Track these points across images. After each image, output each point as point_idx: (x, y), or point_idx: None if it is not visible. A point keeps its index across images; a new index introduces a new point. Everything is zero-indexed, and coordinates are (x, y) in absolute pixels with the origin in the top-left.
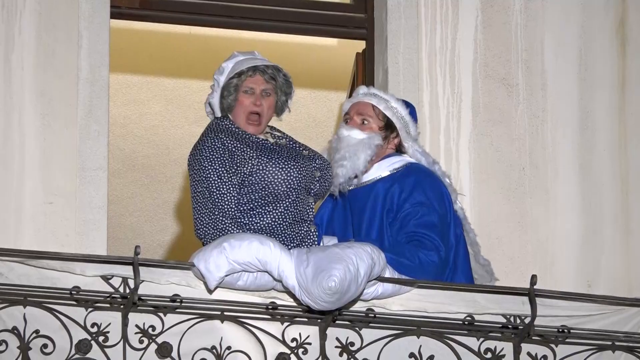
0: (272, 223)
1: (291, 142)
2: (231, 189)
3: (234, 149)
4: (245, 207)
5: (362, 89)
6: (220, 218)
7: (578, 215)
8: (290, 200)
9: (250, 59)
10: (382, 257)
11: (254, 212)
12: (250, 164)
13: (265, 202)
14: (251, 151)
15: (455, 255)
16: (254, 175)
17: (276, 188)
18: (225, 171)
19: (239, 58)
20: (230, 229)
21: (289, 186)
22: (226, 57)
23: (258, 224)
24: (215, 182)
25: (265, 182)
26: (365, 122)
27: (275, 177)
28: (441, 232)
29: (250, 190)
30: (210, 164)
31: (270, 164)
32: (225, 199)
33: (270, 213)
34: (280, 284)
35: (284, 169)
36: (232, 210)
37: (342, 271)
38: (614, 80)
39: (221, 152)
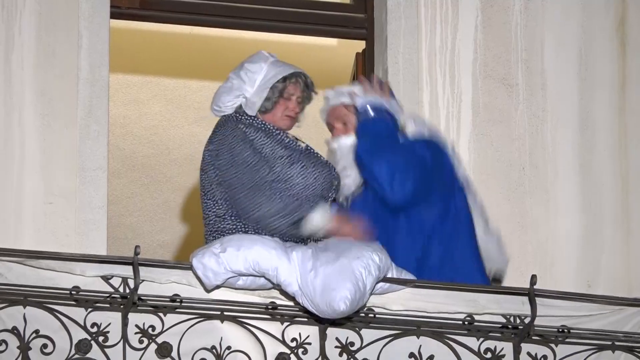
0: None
1: (309, 148)
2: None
3: (261, 144)
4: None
5: (329, 94)
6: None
7: (578, 215)
8: (309, 206)
9: (279, 62)
10: (388, 262)
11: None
12: (280, 163)
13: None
14: (281, 150)
15: (458, 224)
16: (282, 174)
17: (302, 192)
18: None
19: (271, 60)
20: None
21: (313, 192)
22: (226, 58)
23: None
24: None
25: (292, 183)
26: (347, 123)
27: (304, 179)
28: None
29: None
30: (257, 139)
31: (299, 166)
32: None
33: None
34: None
35: (312, 174)
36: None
37: (352, 291)
38: (614, 80)
39: (250, 139)
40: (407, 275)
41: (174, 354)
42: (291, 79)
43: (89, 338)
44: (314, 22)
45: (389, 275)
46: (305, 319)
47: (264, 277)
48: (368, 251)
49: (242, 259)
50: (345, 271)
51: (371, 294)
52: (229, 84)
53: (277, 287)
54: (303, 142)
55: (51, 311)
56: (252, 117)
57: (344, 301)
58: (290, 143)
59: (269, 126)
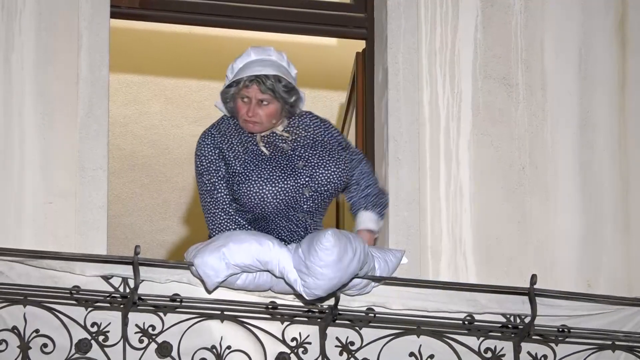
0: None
1: (294, 149)
2: (218, 182)
3: (224, 146)
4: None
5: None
6: (219, 213)
7: (578, 215)
8: (277, 219)
9: (259, 61)
10: (369, 250)
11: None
12: (234, 171)
13: (254, 218)
14: (238, 158)
15: None
16: (237, 188)
17: (254, 209)
18: (212, 165)
19: (251, 58)
20: (227, 226)
21: (264, 209)
22: (226, 57)
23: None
24: (204, 176)
25: (245, 200)
26: None
27: (251, 199)
28: None
29: (238, 203)
30: (197, 158)
31: (248, 184)
32: (216, 193)
33: (263, 229)
34: (279, 286)
35: (259, 193)
36: (225, 204)
37: (334, 231)
38: (614, 80)
39: (210, 148)
40: (392, 255)
41: (174, 353)
42: (245, 83)
43: (89, 337)
44: (314, 22)
45: (375, 261)
46: (306, 319)
47: (267, 269)
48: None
49: (245, 251)
50: (330, 229)
51: (359, 273)
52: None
53: (279, 277)
54: (287, 141)
55: (51, 310)
56: (229, 117)
57: (327, 238)
58: (252, 149)
59: (235, 126)
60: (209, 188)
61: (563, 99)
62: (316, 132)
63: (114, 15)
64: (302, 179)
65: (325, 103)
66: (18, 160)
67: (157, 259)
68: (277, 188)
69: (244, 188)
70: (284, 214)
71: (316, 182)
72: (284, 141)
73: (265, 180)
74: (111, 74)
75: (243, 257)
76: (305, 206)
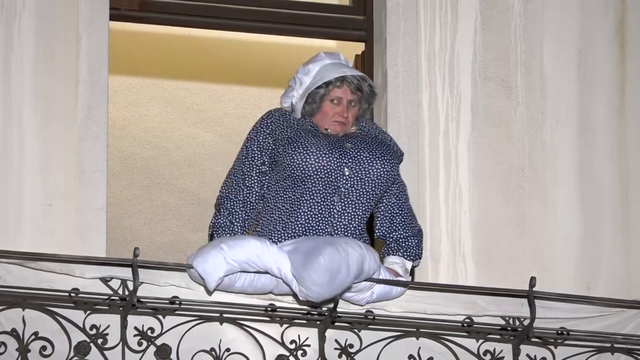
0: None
1: (353, 134)
2: (254, 168)
3: (282, 126)
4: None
5: None
6: (242, 187)
7: (577, 217)
8: (314, 194)
9: (336, 64)
10: (376, 257)
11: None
12: (286, 138)
13: (293, 185)
14: (293, 130)
15: None
16: (283, 151)
17: (295, 169)
18: (257, 150)
19: (325, 62)
20: (250, 199)
21: (305, 170)
22: (225, 60)
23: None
24: (245, 157)
25: (289, 161)
26: None
27: (295, 157)
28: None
29: (279, 175)
30: (248, 139)
31: (296, 145)
32: (249, 172)
33: (295, 206)
34: (278, 287)
35: (304, 152)
36: (255, 184)
37: (331, 251)
38: (614, 82)
39: (265, 134)
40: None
41: (173, 356)
42: (335, 84)
43: (88, 340)
44: (313, 24)
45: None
46: (305, 321)
47: (264, 265)
48: (350, 239)
49: (244, 247)
50: (325, 241)
51: (358, 279)
52: (288, 87)
53: (278, 277)
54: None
55: (50, 313)
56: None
57: (323, 256)
58: (308, 127)
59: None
60: (240, 173)
61: (562, 101)
62: (378, 134)
63: (113, 17)
64: (346, 158)
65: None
66: (17, 162)
67: (156, 261)
68: (321, 152)
69: (291, 149)
70: (321, 191)
71: (358, 164)
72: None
73: (312, 144)
74: (110, 76)
75: (241, 253)
76: (343, 187)
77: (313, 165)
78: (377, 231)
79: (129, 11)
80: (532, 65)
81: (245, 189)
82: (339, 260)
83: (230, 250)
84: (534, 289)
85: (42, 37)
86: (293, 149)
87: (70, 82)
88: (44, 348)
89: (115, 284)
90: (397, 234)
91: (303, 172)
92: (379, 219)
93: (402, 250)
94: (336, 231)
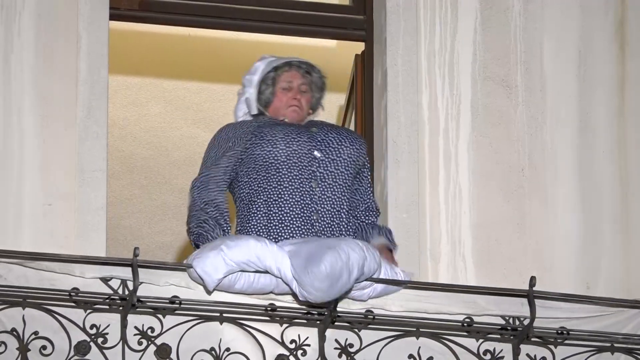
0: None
1: (316, 121)
2: (220, 173)
3: (238, 132)
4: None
5: None
6: (207, 185)
7: (577, 217)
8: (290, 185)
9: (282, 58)
10: (377, 255)
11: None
12: (248, 139)
13: (266, 177)
14: (252, 128)
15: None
16: (250, 146)
17: (265, 160)
18: (220, 156)
19: (270, 59)
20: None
21: (277, 159)
22: (226, 59)
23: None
24: (209, 158)
25: (257, 152)
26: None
27: (264, 148)
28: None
29: (250, 169)
30: (211, 146)
31: (261, 136)
32: (216, 180)
33: (276, 203)
34: (279, 287)
35: (272, 141)
36: (222, 191)
37: (333, 257)
38: (614, 81)
39: (222, 139)
40: (399, 274)
41: (173, 355)
42: (283, 67)
43: (88, 339)
44: (313, 24)
45: (382, 275)
46: (305, 321)
47: (264, 266)
48: (351, 239)
49: (244, 248)
50: (326, 245)
51: (359, 280)
52: (238, 96)
53: (278, 276)
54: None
55: (50, 312)
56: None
57: (324, 263)
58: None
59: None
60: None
61: (562, 101)
62: (339, 127)
63: (113, 17)
64: (314, 141)
65: (325, 105)
66: (17, 162)
67: (156, 260)
68: (289, 137)
69: (258, 139)
70: (298, 177)
71: (327, 146)
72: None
73: (278, 132)
74: (110, 75)
75: (241, 254)
76: (317, 172)
77: (284, 151)
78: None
79: (129, 11)
80: (532, 65)
81: (214, 191)
82: (341, 266)
83: (229, 250)
84: (534, 288)
85: (42, 36)
86: (260, 139)
87: (70, 81)
88: (44, 347)
89: (115, 283)
90: (373, 219)
91: (275, 159)
92: (354, 203)
93: (383, 234)
94: (322, 217)
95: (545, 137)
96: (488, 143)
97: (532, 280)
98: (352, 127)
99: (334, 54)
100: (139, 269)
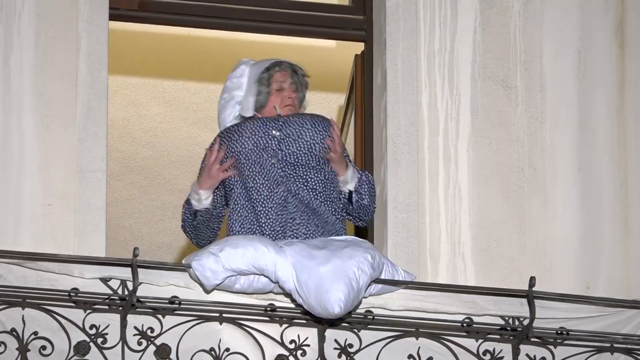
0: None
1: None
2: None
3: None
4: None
5: None
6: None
7: (577, 217)
8: (252, 164)
9: (263, 60)
10: (382, 260)
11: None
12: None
13: (240, 178)
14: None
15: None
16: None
17: (238, 153)
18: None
19: (251, 61)
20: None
21: (240, 152)
22: (225, 60)
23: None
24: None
25: (231, 151)
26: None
27: (234, 143)
28: None
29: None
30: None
31: (233, 132)
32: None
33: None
34: (278, 286)
35: (240, 133)
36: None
37: (346, 292)
38: (613, 82)
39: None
40: (400, 273)
41: (173, 355)
42: (274, 68)
43: (88, 340)
44: (313, 24)
45: (383, 273)
46: (304, 321)
47: (263, 274)
48: (361, 250)
49: (241, 256)
50: (339, 272)
51: (366, 292)
52: (222, 102)
53: (277, 284)
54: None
55: (50, 313)
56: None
57: (338, 304)
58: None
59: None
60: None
61: (562, 101)
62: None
63: (112, 17)
64: (272, 123)
65: (324, 105)
66: (17, 162)
67: (156, 261)
68: (254, 127)
69: (230, 139)
70: (257, 158)
71: (287, 126)
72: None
73: (248, 125)
74: (110, 76)
75: (239, 262)
76: (278, 151)
77: (250, 139)
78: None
79: (128, 11)
80: (531, 65)
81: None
82: (353, 297)
83: (227, 259)
84: (534, 288)
85: (41, 37)
86: (231, 137)
87: (69, 82)
88: (43, 347)
89: (114, 283)
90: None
91: (243, 147)
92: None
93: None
94: (293, 196)
95: (545, 137)
96: (488, 143)
97: (532, 281)
98: (351, 127)
99: (334, 54)
100: (139, 269)
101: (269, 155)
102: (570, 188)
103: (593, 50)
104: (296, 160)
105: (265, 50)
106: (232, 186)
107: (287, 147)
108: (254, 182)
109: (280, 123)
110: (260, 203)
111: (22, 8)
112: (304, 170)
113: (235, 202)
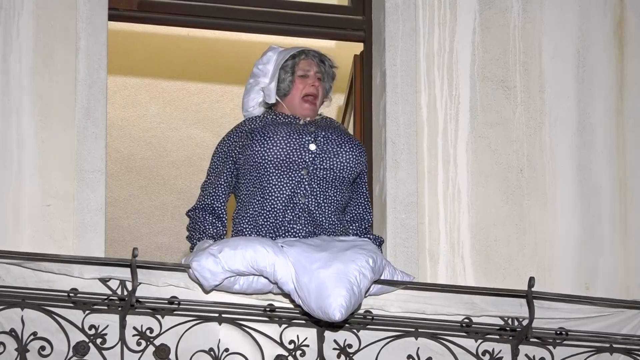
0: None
1: (317, 122)
2: (221, 180)
3: (239, 143)
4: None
5: None
6: (209, 200)
7: (576, 217)
8: (277, 174)
9: (293, 47)
10: (383, 263)
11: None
12: (246, 142)
13: (259, 176)
14: (251, 130)
15: None
16: (245, 149)
17: (255, 163)
18: (220, 164)
19: (280, 49)
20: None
21: (266, 160)
22: (224, 60)
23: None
24: (210, 171)
25: (249, 152)
26: None
27: (255, 150)
28: None
29: (245, 171)
30: (214, 154)
31: (254, 137)
32: (214, 186)
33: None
34: (277, 286)
35: (272, 139)
36: (219, 197)
37: (347, 297)
38: (612, 82)
39: (225, 149)
40: (400, 275)
41: (172, 356)
42: (300, 56)
43: (87, 340)
44: (312, 24)
45: (383, 275)
46: (303, 321)
47: (262, 275)
48: (363, 254)
49: (240, 257)
50: (340, 276)
51: (366, 295)
52: (248, 86)
53: (275, 285)
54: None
55: (49, 313)
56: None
57: (339, 310)
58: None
59: (260, 120)
60: (208, 184)
61: (561, 102)
62: (338, 127)
63: (112, 17)
64: (310, 136)
65: (324, 105)
66: (16, 163)
67: (155, 261)
68: (287, 135)
69: (250, 149)
70: (286, 168)
71: (325, 142)
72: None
73: (270, 131)
74: (109, 76)
75: (238, 264)
76: (311, 165)
77: (281, 148)
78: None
79: (127, 11)
80: (530, 65)
81: (213, 198)
82: (354, 301)
83: (226, 260)
84: (533, 289)
85: (40, 37)
86: (251, 140)
87: (68, 82)
88: (42, 348)
89: (114, 284)
90: (367, 224)
91: (271, 154)
92: (351, 211)
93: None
94: (311, 210)
95: (544, 138)
96: (487, 144)
97: (531, 281)
98: (350, 128)
99: (333, 55)
100: (138, 270)
101: (300, 167)
102: (569, 188)
103: (592, 50)
104: (325, 176)
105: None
106: (244, 186)
107: (321, 163)
108: (276, 190)
109: (320, 138)
110: (279, 211)
111: (22, 8)
112: (328, 186)
113: (246, 205)
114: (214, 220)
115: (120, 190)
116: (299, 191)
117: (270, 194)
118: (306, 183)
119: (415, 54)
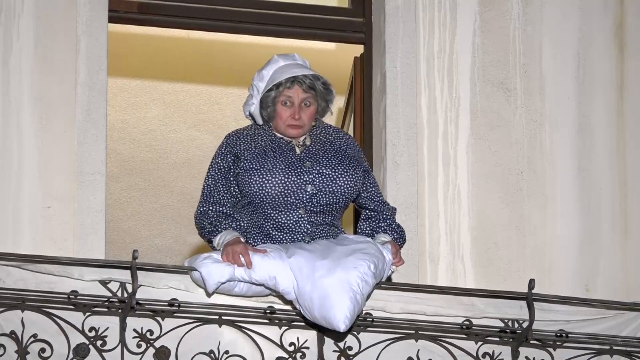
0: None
1: (312, 147)
2: (221, 187)
3: (241, 148)
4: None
5: None
6: (211, 207)
7: (576, 219)
8: (276, 212)
9: (290, 65)
10: (386, 267)
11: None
12: (244, 167)
13: (255, 210)
14: (251, 155)
15: None
16: (243, 179)
17: (254, 198)
18: (220, 172)
19: (279, 64)
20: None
21: (263, 197)
22: (224, 62)
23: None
24: (209, 178)
25: (247, 189)
26: None
27: (252, 188)
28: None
29: (241, 193)
30: (212, 161)
31: (251, 174)
32: (216, 193)
33: (261, 222)
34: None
35: (258, 182)
36: (223, 203)
37: (352, 307)
38: (612, 84)
39: (223, 155)
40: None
41: (172, 358)
42: (286, 85)
43: (87, 342)
44: (312, 26)
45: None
46: (304, 324)
47: (264, 285)
48: (365, 259)
49: (242, 268)
50: (343, 285)
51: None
52: (248, 94)
53: (277, 294)
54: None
55: (49, 315)
56: (256, 125)
57: (344, 321)
58: (271, 145)
59: (260, 133)
60: (208, 189)
61: (561, 103)
62: (336, 141)
63: (112, 19)
64: (306, 176)
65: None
66: (16, 164)
67: (155, 263)
68: (278, 177)
69: (247, 178)
70: (283, 207)
71: (321, 181)
72: (309, 137)
73: (267, 171)
74: (109, 78)
75: (240, 272)
76: (309, 204)
77: (273, 189)
78: (362, 223)
79: (127, 13)
80: (531, 67)
81: (217, 205)
82: (357, 310)
83: (229, 269)
84: (533, 291)
85: (41, 39)
86: (249, 177)
87: (69, 84)
88: (42, 350)
89: (114, 286)
90: (385, 223)
91: (262, 198)
92: (365, 214)
93: (391, 233)
94: (311, 233)
95: (544, 140)
96: (487, 146)
97: (531, 283)
98: (351, 130)
99: (333, 57)
100: (138, 272)
101: (298, 207)
102: (569, 190)
103: (592, 52)
104: (322, 210)
105: (265, 52)
106: (245, 201)
107: (319, 201)
108: (276, 228)
109: (316, 179)
110: (278, 238)
111: (22, 10)
112: (327, 214)
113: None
114: (223, 216)
115: (120, 192)
116: (299, 229)
117: (269, 231)
118: (306, 221)
119: (415, 56)
